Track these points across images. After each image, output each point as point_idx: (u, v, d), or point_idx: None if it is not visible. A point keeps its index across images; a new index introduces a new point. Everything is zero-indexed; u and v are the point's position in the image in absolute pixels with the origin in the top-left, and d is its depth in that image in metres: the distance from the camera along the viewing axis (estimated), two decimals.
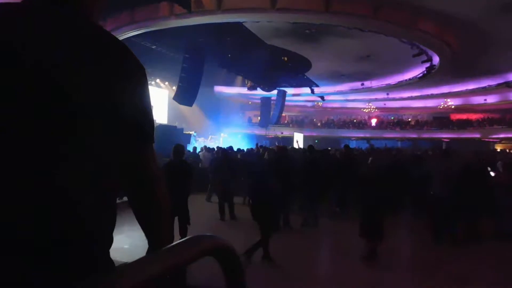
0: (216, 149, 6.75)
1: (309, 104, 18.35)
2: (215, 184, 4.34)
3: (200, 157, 6.26)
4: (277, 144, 11.39)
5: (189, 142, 9.19)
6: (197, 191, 4.30)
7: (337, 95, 15.01)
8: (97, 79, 0.39)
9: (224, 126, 15.70)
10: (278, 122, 15.88)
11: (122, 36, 6.60)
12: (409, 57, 7.75)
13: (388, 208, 2.40)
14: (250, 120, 19.32)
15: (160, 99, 13.23)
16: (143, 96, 0.46)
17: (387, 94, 13.63)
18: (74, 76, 0.37)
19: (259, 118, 16.76)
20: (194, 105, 10.11)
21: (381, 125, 17.11)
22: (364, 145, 12.18)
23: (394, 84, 11.66)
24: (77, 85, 0.37)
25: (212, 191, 4.78)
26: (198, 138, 11.78)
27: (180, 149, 2.85)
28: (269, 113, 15.27)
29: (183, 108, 11.97)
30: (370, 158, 2.78)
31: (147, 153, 0.48)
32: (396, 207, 2.80)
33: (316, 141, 15.70)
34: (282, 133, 16.63)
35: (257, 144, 7.47)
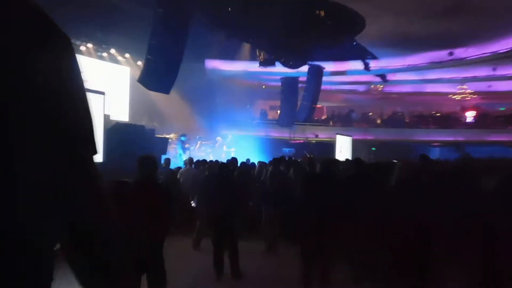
0: (208, 164, 6.85)
1: (361, 88, 18.42)
2: (207, 221, 4.38)
3: (178, 176, 6.30)
4: (307, 155, 11.72)
5: (164, 151, 9.29)
6: (177, 233, 4.35)
7: (408, 73, 14.84)
8: None
9: (222, 125, 15.87)
10: (310, 117, 16.01)
11: None
12: None
13: None
14: (264, 114, 19.58)
15: (118, 81, 13.47)
16: (68, 78, 0.46)
17: (494, 69, 13.37)
18: None
19: (278, 111, 17.16)
20: (173, 92, 10.10)
21: (483, 121, 16.64)
22: (452, 155, 11.82)
23: (505, 53, 11.37)
24: None
25: (202, 232, 4.85)
26: (187, 144, 12.22)
27: (147, 162, 2.91)
28: (295, 103, 15.45)
29: (156, 97, 12.27)
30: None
31: (80, 174, 0.47)
32: None
33: (374, 148, 15.85)
34: (316, 135, 16.88)
35: (277, 160, 6.41)
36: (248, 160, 8.19)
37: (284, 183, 4.89)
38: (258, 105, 20.43)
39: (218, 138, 14.55)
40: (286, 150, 15.07)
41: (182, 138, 12.04)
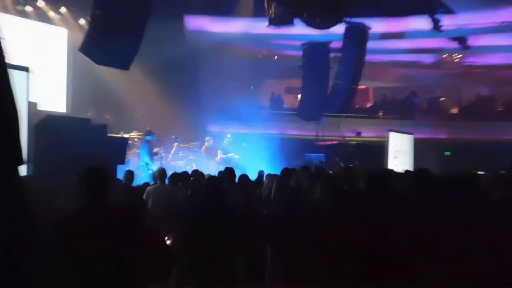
0: (191, 179, 7.07)
1: (428, 59, 18.69)
2: (188, 269, 4.42)
3: (145, 197, 6.50)
4: (343, 164, 12.43)
5: (122, 159, 9.50)
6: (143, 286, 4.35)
7: (500, 36, 15.25)
8: None
9: (212, 118, 16.27)
10: (347, 105, 16.47)
11: None
12: None
13: None
14: (277, 101, 20.06)
15: (49, 51, 13.75)
16: None
17: None
18: None
19: (298, 96, 17.50)
20: (134, 68, 10.56)
21: None
22: None
23: None
24: None
25: (180, 285, 4.70)
26: (157, 148, 12.79)
27: (96, 178, 3.02)
28: (325, 83, 15.76)
29: (108, 75, 12.85)
30: None
31: None
32: None
33: (447, 153, 16.24)
34: (358, 133, 17.34)
35: (287, 172, 6.95)
36: (261, 172, 8.33)
37: (299, 205, 4.82)
38: (267, 87, 20.37)
39: (208, 138, 14.74)
40: (311, 156, 15.15)
41: (148, 138, 12.32)
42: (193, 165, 12.63)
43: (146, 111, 14.69)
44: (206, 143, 14.52)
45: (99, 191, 2.90)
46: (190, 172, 7.74)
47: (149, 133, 12.45)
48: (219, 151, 14.15)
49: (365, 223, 3.38)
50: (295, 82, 17.82)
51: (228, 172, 6.49)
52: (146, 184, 7.17)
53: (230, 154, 13.99)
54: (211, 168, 12.15)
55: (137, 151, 12.64)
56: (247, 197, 5.54)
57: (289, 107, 19.22)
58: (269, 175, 7.52)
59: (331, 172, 8.81)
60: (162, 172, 6.97)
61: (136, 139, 13.02)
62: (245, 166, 11.28)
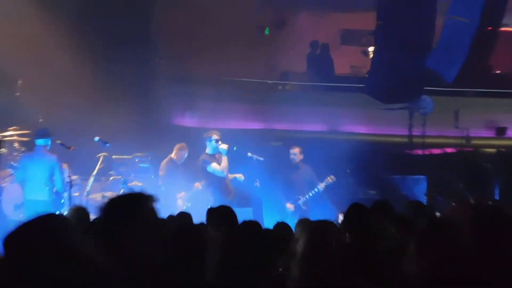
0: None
1: None
2: None
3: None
4: (465, 200, 11.04)
5: None
6: None
7: None
8: None
9: (181, 100, 16.24)
10: (476, 73, 15.88)
11: None
12: None
13: None
14: (321, 61, 19.31)
15: None
16: None
17: None
18: None
19: (369, 51, 17.82)
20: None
21: None
22: None
23: None
24: None
25: None
26: (65, 165, 12.72)
27: None
28: (426, 24, 15.02)
29: None
30: None
31: None
32: None
33: None
34: (502, 129, 16.55)
35: (358, 208, 6.63)
36: (282, 226, 8.07)
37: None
38: (299, 27, 18.84)
39: (180, 146, 13.87)
40: (395, 180, 14.71)
41: (41, 142, 11.99)
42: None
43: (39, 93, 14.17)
44: (174, 154, 13.43)
45: None
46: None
47: (42, 133, 11.79)
48: (213, 167, 13.11)
49: None
50: (362, 19, 16.94)
51: (249, 227, 5.70)
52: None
53: (238, 175, 13.35)
54: (180, 204, 12.74)
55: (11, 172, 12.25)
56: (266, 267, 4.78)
57: (347, 75, 18.61)
58: (303, 222, 7.24)
59: (440, 215, 8.44)
60: (80, 212, 7.42)
61: (16, 145, 12.49)
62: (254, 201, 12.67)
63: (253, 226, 5.77)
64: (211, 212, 7.30)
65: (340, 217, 7.78)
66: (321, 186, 12.77)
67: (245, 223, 5.90)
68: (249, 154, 13.51)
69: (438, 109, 15.51)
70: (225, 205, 7.55)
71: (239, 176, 13.37)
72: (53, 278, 3.15)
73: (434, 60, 14.45)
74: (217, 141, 13.16)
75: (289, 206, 12.82)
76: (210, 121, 15.64)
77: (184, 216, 7.60)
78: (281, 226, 7.36)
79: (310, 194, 12.84)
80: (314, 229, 5.61)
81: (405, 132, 15.84)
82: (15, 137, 12.55)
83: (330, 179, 13.38)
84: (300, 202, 12.81)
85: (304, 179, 13.79)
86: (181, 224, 6.85)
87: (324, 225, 5.54)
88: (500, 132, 16.09)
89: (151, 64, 16.65)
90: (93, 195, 12.58)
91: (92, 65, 14.69)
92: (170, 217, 7.52)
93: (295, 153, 14.06)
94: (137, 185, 12.82)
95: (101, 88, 14.37)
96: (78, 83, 14.48)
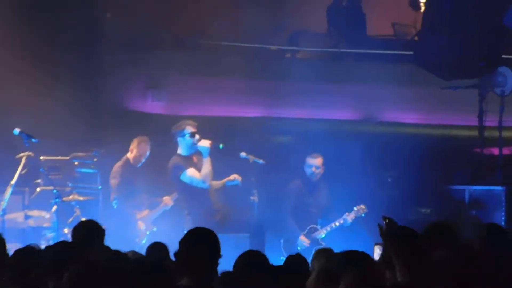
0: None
1: None
2: None
3: None
4: None
5: None
6: None
7: None
8: None
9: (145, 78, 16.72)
10: None
11: None
12: None
13: None
14: (351, 18, 19.79)
15: None
16: None
17: None
18: None
19: (423, 1, 18.31)
20: None
21: None
22: None
23: None
24: None
25: None
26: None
27: None
28: None
29: None
30: None
31: None
32: None
33: None
34: None
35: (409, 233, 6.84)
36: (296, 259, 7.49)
37: None
38: None
39: (140, 139, 14.38)
40: (453, 191, 15.22)
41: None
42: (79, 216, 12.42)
43: None
44: (132, 154, 13.55)
45: None
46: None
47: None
48: (189, 175, 12.92)
49: None
50: None
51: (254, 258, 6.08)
52: None
53: (231, 178, 13.53)
54: (142, 228, 13.06)
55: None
56: None
57: (387, 37, 18.10)
58: (321, 252, 7.33)
59: None
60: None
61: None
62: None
63: (255, 258, 5.75)
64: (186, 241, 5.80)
65: (377, 250, 7.71)
66: (349, 217, 12.12)
67: (244, 256, 5.66)
68: (243, 154, 12.70)
69: None
70: (208, 230, 6.01)
71: (234, 179, 12.92)
72: None
73: None
74: (193, 135, 12.47)
75: (303, 239, 12.13)
76: (183, 106, 15.15)
77: (159, 250, 7.21)
78: (295, 260, 6.67)
79: (333, 226, 12.24)
80: (357, 265, 5.12)
81: (474, 121, 14.92)
82: None
83: (361, 209, 12.86)
84: (318, 236, 12.16)
85: (324, 204, 13.46)
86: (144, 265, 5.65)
87: (365, 258, 5.18)
88: None
89: (97, 20, 15.87)
90: (11, 215, 12.26)
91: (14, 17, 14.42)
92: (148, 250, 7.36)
93: (317, 165, 13.19)
94: (76, 199, 12.39)
95: (24, 54, 13.89)
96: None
